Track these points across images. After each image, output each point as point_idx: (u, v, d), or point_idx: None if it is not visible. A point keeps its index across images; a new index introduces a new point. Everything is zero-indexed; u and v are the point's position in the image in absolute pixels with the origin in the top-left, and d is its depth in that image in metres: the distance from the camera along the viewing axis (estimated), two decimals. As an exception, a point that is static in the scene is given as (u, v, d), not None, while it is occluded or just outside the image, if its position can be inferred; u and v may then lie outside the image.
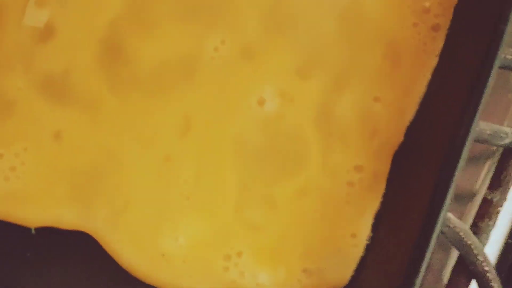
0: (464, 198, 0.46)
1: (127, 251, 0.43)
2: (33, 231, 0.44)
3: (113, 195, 0.43)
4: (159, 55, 0.43)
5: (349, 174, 0.43)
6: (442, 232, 0.41)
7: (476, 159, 0.47)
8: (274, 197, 0.43)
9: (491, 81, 0.39)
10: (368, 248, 0.43)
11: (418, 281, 0.37)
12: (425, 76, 0.43)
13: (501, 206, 0.45)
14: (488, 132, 0.43)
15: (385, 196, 0.43)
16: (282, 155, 0.43)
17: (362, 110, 0.43)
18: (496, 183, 0.45)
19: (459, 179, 0.38)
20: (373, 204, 0.43)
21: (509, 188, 0.45)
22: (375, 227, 0.43)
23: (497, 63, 0.39)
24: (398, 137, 0.43)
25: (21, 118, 0.43)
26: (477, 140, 0.43)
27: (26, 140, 0.43)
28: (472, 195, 0.46)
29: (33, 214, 0.43)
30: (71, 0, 0.43)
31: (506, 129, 0.44)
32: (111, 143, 0.43)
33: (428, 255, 0.37)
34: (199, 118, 0.43)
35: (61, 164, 0.43)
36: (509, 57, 0.43)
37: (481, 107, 0.39)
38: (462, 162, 0.38)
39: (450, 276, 0.45)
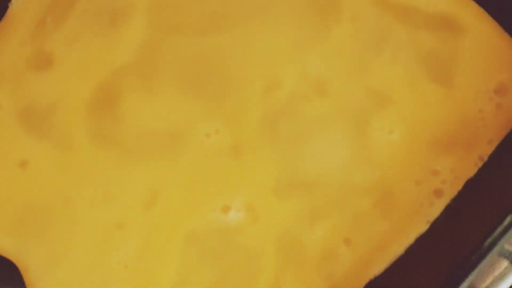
0: None
1: None
2: None
3: (54, 242, 0.41)
4: (151, 122, 0.42)
5: None
6: None
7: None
8: None
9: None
10: None
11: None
12: (408, 239, 0.40)
13: None
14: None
15: None
16: (229, 267, 0.41)
17: (328, 249, 0.40)
18: None
19: None
20: None
21: None
22: None
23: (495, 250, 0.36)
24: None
25: None
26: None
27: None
28: None
29: None
30: (83, 35, 0.43)
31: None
32: (72, 190, 0.42)
33: None
34: (166, 198, 0.41)
35: (16, 192, 0.42)
36: (507, 246, 0.39)
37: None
38: None
39: None
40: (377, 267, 0.40)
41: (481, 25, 0.42)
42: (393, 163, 0.41)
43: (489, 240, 0.36)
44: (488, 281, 0.39)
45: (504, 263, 0.39)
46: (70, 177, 0.42)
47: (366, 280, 0.40)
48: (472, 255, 0.36)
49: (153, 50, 0.43)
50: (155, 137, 0.42)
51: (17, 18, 0.43)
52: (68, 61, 0.43)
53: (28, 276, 0.41)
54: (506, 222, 0.36)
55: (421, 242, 0.40)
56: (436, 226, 0.40)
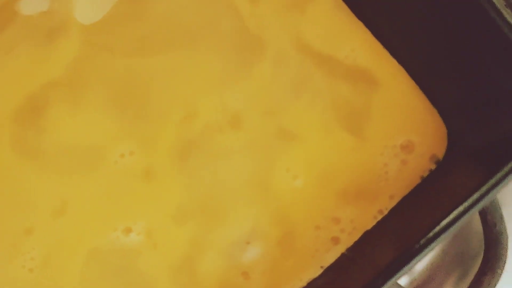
0: None
1: None
2: None
3: None
4: (71, 136, 0.43)
5: None
6: None
7: None
8: None
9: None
10: None
11: None
12: (301, 281, 0.42)
13: None
14: None
15: None
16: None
17: (225, 282, 0.41)
18: None
19: None
20: None
21: None
22: None
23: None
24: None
25: None
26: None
27: None
28: None
29: None
30: (18, 47, 0.44)
31: None
32: None
33: None
34: (74, 210, 0.42)
35: None
36: None
37: None
38: None
39: None
40: None
41: (396, 82, 0.43)
42: (296, 204, 0.42)
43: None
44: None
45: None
46: None
47: None
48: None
49: (83, 67, 0.43)
50: (73, 151, 0.42)
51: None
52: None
53: None
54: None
55: (313, 285, 0.41)
56: (328, 273, 0.41)
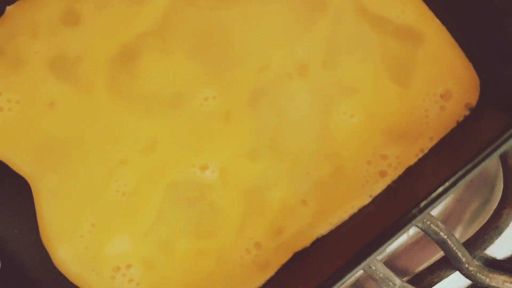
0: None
1: (51, 220, 0.50)
2: None
3: (65, 172, 0.50)
4: (160, 81, 0.50)
5: (250, 246, 0.49)
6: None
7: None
8: (174, 246, 0.49)
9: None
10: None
11: None
12: (352, 208, 0.49)
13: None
14: (381, 275, 0.48)
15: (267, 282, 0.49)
16: (201, 214, 0.49)
17: (286, 206, 0.49)
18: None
19: None
20: (257, 281, 0.49)
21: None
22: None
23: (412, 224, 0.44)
24: (304, 242, 0.49)
25: (25, 76, 0.50)
26: (370, 277, 0.49)
27: (22, 94, 0.50)
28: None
29: None
30: (112, 3, 0.50)
31: (396, 280, 0.49)
32: (87, 129, 0.50)
33: None
34: (161, 147, 0.50)
35: (42, 127, 0.50)
36: (428, 222, 0.48)
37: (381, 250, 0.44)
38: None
39: None
40: (324, 228, 0.49)
41: (438, 39, 0.50)
42: (350, 142, 0.49)
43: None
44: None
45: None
46: (87, 118, 0.50)
47: (313, 238, 0.49)
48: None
49: (171, 20, 0.50)
50: (162, 94, 0.50)
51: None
52: (94, 21, 0.50)
53: (38, 197, 0.49)
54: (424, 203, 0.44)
55: (363, 211, 0.49)
56: (376, 201, 0.49)
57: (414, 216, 0.44)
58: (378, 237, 0.44)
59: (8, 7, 0.51)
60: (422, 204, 0.44)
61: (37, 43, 0.50)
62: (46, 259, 0.50)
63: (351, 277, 0.44)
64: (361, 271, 0.50)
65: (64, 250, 0.49)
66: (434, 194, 0.44)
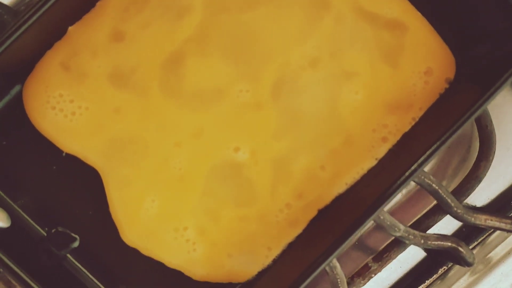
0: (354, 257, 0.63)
1: (119, 203, 0.58)
2: (63, 154, 0.58)
3: (131, 163, 0.58)
4: (203, 80, 0.58)
5: (282, 207, 0.59)
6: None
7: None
8: (220, 214, 0.58)
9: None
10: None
11: None
12: (362, 170, 0.59)
13: (374, 274, 0.62)
14: (388, 223, 0.60)
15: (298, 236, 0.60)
16: (238, 189, 0.58)
17: (309, 172, 0.59)
18: (378, 257, 0.62)
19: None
20: (290, 235, 0.59)
21: (386, 264, 0.62)
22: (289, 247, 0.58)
23: (411, 178, 0.54)
24: (325, 201, 0.60)
25: (90, 88, 0.57)
26: (379, 226, 0.60)
27: (90, 102, 0.58)
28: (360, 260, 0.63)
29: (72, 143, 0.58)
30: (154, 21, 0.59)
31: (401, 226, 0.60)
32: (147, 126, 0.58)
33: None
34: (208, 132, 0.58)
35: (112, 129, 0.57)
36: (422, 177, 0.59)
37: (387, 202, 0.54)
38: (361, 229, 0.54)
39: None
40: (341, 188, 0.58)
41: (420, 28, 0.59)
42: (357, 115, 0.58)
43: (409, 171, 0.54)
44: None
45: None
46: (146, 117, 0.57)
47: (332, 197, 0.58)
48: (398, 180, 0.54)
49: (207, 26, 0.57)
50: (205, 91, 0.57)
51: (105, 7, 0.57)
52: (140, 38, 0.57)
53: (108, 185, 0.57)
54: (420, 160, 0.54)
55: (371, 172, 0.59)
56: (381, 162, 0.58)
57: (413, 172, 0.54)
58: (385, 191, 0.53)
59: (70, 28, 0.57)
60: (419, 161, 0.53)
61: (97, 60, 0.57)
62: (116, 235, 0.58)
63: (365, 226, 0.54)
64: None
65: (131, 226, 0.57)
66: (427, 153, 0.52)
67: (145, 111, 0.57)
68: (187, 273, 0.57)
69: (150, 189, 0.57)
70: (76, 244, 0.58)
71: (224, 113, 0.58)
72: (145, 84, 0.57)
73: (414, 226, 0.62)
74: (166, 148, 0.58)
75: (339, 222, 0.55)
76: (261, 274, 0.58)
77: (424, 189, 0.57)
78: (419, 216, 0.62)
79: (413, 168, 0.53)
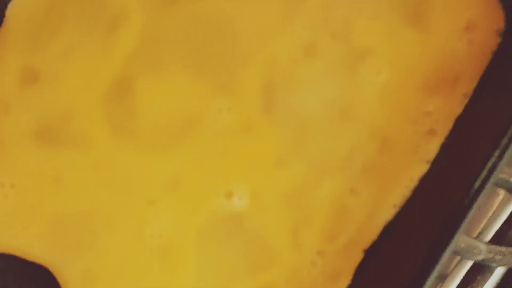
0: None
1: None
2: None
3: (92, 245, 0.45)
4: (165, 108, 0.45)
5: (313, 257, 0.44)
6: None
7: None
8: None
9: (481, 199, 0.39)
10: None
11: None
12: (412, 181, 0.43)
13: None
14: (462, 245, 0.43)
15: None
16: (245, 250, 0.44)
17: (336, 202, 0.44)
18: (460, 295, 0.46)
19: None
20: None
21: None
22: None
23: (492, 180, 0.39)
24: (371, 235, 0.44)
25: (11, 156, 0.45)
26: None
27: (15, 177, 0.45)
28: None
29: (2, 239, 0.45)
30: (74, 36, 0.45)
31: (480, 245, 0.44)
32: (102, 188, 0.45)
33: None
34: (188, 182, 0.44)
35: (52, 204, 0.45)
36: (503, 176, 0.43)
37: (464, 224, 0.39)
38: (435, 273, 0.39)
39: None
40: (388, 213, 0.44)
41: None
42: (386, 106, 0.44)
43: (485, 171, 0.40)
44: (489, 214, 0.44)
45: (501, 193, 0.44)
46: (99, 177, 0.44)
47: (379, 228, 0.44)
48: (471, 188, 0.39)
49: (155, 29, 0.45)
50: (171, 123, 0.44)
51: (5, 41, 0.46)
52: (64, 71, 0.45)
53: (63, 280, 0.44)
54: (498, 151, 0.40)
55: (425, 181, 0.44)
56: (435, 165, 0.44)
57: (491, 172, 0.39)
58: (458, 205, 0.39)
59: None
60: (495, 155, 0.39)
61: (10, 116, 0.46)
62: None
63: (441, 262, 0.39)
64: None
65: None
66: (503, 141, 0.39)
67: (95, 170, 0.45)
68: None
69: (126, 281, 0.44)
70: None
71: (202, 148, 0.44)
72: (86, 133, 0.45)
73: (496, 239, 0.46)
74: (137, 213, 0.45)
75: (398, 262, 0.42)
76: None
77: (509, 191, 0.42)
78: (494, 224, 0.45)
79: (489, 165, 0.39)
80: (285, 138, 0.44)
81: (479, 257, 0.44)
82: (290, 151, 0.44)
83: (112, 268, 0.44)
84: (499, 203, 0.45)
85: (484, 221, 0.45)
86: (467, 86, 0.44)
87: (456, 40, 0.44)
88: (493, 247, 0.44)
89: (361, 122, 0.44)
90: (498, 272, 0.46)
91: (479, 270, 0.46)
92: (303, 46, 0.44)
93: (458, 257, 0.45)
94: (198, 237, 0.44)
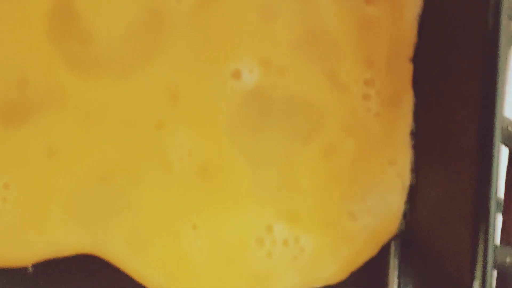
0: None
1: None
2: (30, 269, 0.37)
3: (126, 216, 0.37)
4: (119, 23, 0.36)
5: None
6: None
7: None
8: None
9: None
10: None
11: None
12: None
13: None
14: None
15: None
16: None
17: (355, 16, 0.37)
18: None
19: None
20: (404, 121, 0.37)
21: None
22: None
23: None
24: (409, 39, 0.37)
25: None
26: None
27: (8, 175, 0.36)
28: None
29: (25, 250, 0.36)
30: None
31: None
32: (104, 139, 0.36)
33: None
34: (186, 84, 0.37)
35: (52, 186, 0.36)
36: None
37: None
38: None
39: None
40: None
41: None
42: None
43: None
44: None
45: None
46: (91, 123, 0.36)
47: (415, 28, 0.37)
48: None
49: None
50: (130, 28, 0.36)
51: None
52: None
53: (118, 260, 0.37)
54: None
55: None
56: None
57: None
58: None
59: None
60: None
61: None
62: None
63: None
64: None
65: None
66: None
67: (82, 119, 0.36)
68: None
69: (175, 221, 0.36)
70: None
71: (187, 39, 0.36)
72: (50, 86, 0.36)
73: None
74: (150, 143, 0.36)
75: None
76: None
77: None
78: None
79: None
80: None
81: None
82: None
83: (154, 216, 0.36)
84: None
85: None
86: None
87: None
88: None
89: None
90: None
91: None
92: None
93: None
94: (229, 135, 0.37)
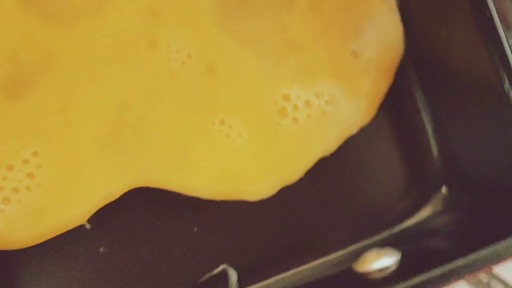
0: None
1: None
2: (87, 226, 0.37)
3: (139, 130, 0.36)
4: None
5: None
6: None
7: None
8: None
9: None
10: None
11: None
12: None
13: None
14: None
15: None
16: None
17: None
18: None
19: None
20: None
21: None
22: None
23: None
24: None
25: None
26: None
27: (32, 143, 0.36)
28: None
29: (77, 209, 0.36)
30: None
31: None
32: (108, 83, 0.36)
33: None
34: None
35: (77, 137, 0.36)
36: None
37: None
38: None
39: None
40: None
41: None
42: None
43: None
44: None
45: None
46: (93, 74, 0.36)
47: None
48: None
49: None
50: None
51: None
52: None
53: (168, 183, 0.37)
54: None
55: None
56: None
57: None
58: None
59: None
60: None
61: None
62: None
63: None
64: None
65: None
66: None
67: (86, 72, 0.36)
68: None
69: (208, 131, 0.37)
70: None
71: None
72: (42, 53, 0.36)
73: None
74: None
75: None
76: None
77: None
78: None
79: None
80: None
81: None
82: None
83: (181, 128, 0.37)
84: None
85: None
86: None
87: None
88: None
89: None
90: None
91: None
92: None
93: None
94: (219, 28, 0.37)
